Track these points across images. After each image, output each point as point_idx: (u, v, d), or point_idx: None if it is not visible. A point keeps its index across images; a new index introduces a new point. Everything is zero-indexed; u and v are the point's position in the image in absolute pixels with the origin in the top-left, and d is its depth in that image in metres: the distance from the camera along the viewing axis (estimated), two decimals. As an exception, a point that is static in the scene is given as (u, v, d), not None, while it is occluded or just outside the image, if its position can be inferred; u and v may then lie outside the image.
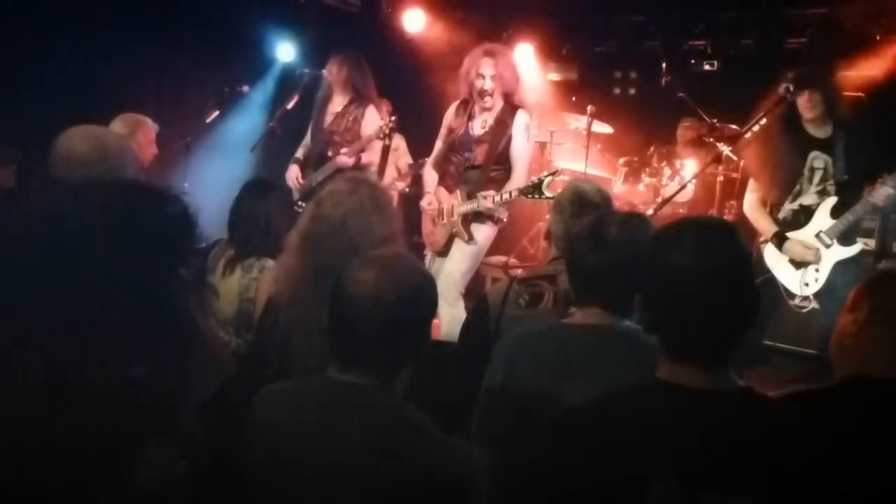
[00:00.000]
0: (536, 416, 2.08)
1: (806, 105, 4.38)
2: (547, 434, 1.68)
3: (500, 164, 4.79)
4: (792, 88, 4.34)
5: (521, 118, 4.79)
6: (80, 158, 2.36)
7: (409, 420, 1.76)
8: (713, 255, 1.55)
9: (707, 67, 7.13)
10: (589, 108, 6.49)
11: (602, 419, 1.61)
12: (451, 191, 4.88)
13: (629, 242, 2.19)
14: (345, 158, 5.34)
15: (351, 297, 1.78)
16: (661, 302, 1.61)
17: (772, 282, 4.51)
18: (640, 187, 6.68)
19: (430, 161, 5.16)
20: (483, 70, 4.74)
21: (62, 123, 2.59)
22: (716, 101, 6.61)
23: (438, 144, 5.10)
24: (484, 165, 4.79)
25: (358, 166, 5.31)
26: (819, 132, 4.46)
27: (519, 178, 4.70)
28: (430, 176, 5.10)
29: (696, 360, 1.57)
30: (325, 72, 5.65)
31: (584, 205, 2.78)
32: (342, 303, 1.79)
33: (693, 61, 7.15)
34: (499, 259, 6.51)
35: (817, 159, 4.43)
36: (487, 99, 4.76)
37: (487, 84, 4.73)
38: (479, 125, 4.85)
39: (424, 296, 1.82)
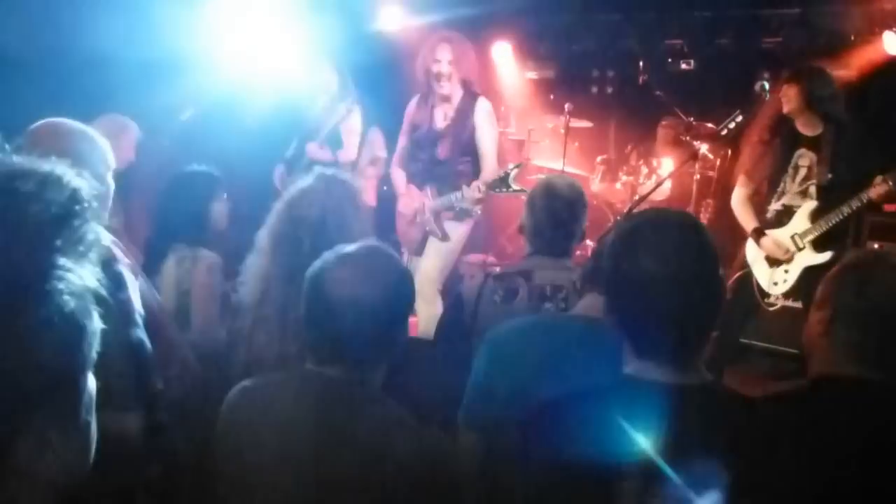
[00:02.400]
0: (519, 409, 2.08)
1: (783, 98, 4.33)
2: (520, 428, 1.67)
3: (466, 155, 4.69)
4: (766, 86, 4.36)
5: (482, 106, 4.68)
6: (42, 150, 2.30)
7: (389, 413, 1.76)
8: (679, 256, 1.52)
9: (684, 66, 7.14)
10: (566, 106, 6.50)
11: (569, 415, 1.60)
12: (420, 188, 4.81)
13: None
14: (314, 147, 5.28)
15: (329, 295, 1.76)
16: (626, 304, 1.59)
17: (750, 277, 4.55)
18: (618, 186, 6.70)
19: (394, 160, 5.07)
20: (439, 55, 4.61)
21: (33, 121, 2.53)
22: (693, 99, 6.65)
23: (402, 141, 4.99)
24: (450, 159, 4.69)
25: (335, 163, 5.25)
26: (808, 129, 4.37)
27: (490, 168, 4.59)
28: (398, 175, 5.00)
29: (664, 358, 1.56)
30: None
31: (556, 200, 2.79)
32: (320, 300, 1.78)
33: (670, 60, 7.17)
34: (477, 257, 6.51)
35: (803, 157, 4.38)
36: (445, 84, 4.63)
37: (444, 68, 4.59)
38: (441, 118, 4.74)
39: (403, 291, 1.81)
